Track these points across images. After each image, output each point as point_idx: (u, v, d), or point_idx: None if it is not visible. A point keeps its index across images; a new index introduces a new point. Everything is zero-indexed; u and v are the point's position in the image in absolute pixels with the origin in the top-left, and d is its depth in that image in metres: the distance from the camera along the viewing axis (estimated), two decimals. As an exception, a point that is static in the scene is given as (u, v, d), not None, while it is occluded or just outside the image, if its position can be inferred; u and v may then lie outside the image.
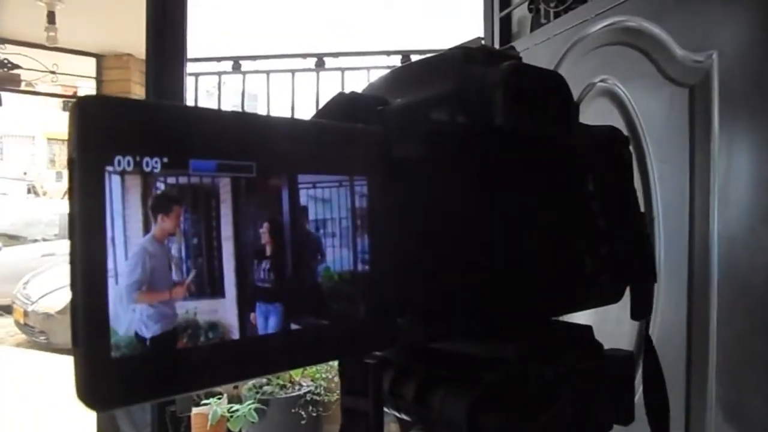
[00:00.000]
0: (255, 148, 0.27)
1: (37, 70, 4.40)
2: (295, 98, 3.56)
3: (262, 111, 3.61)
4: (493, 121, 0.33)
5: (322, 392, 3.72)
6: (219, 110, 0.27)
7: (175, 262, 0.24)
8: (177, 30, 2.21)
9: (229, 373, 0.27)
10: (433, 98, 0.34)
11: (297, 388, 3.76)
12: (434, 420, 0.35)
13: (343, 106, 0.32)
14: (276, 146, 0.28)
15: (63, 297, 6.23)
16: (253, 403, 3.53)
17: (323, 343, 0.29)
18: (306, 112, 3.59)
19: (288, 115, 3.49)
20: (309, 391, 3.70)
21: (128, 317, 0.23)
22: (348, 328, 0.29)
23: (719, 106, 1.38)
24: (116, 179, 0.23)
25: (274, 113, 3.50)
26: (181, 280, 0.25)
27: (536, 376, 0.36)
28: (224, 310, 0.26)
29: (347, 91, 0.34)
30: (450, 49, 0.37)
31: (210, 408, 3.42)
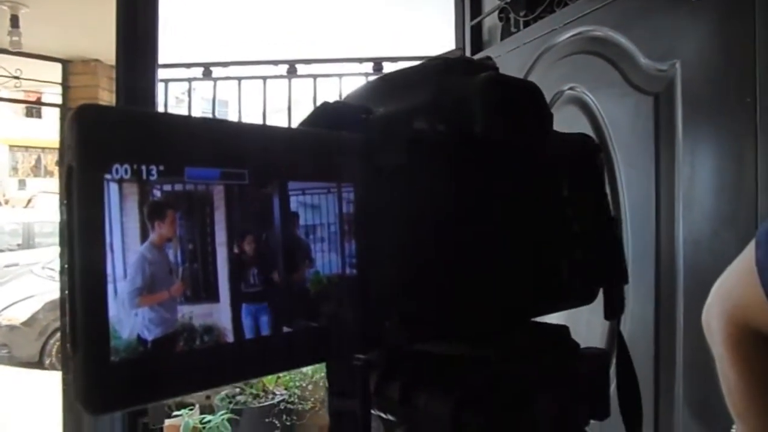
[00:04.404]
0: (248, 156, 0.28)
1: (0, 76, 4.28)
2: (266, 105, 3.53)
3: (233, 118, 3.58)
4: (472, 129, 0.34)
5: (296, 401, 3.68)
6: (213, 119, 0.28)
7: (173, 268, 0.25)
8: (148, 35, 2.17)
9: (224, 375, 0.28)
10: (415, 107, 0.35)
11: (270, 397, 3.71)
12: (419, 420, 0.36)
13: (329, 115, 0.33)
14: (268, 154, 0.28)
15: (27, 308, 6.05)
16: (225, 413, 3.47)
17: (313, 345, 0.30)
18: (278, 118, 3.56)
19: (261, 122, 3.46)
20: (283, 400, 3.66)
21: (131, 321, 0.24)
22: (336, 331, 0.30)
23: (682, 113, 1.43)
24: (114, 187, 0.23)
25: (246, 120, 3.47)
26: (179, 284, 0.25)
27: (517, 375, 0.37)
28: (219, 314, 0.26)
29: (331, 100, 0.35)
30: (430, 59, 0.39)
31: (182, 419, 3.35)
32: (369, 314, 0.31)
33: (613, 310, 0.44)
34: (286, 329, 0.28)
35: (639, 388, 0.45)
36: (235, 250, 0.27)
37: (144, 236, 0.24)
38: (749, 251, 0.70)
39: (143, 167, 0.24)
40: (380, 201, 0.31)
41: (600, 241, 0.43)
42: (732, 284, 0.75)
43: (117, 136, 0.24)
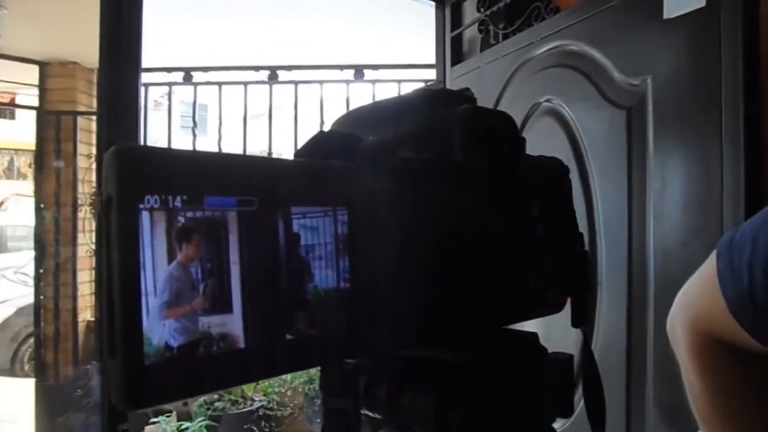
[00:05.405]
0: (257, 185, 0.31)
1: (-25, 78, 4.21)
2: (247, 110, 3.54)
3: (213, 122, 3.58)
4: (453, 157, 0.39)
5: (275, 407, 3.68)
6: (228, 153, 0.32)
7: (195, 284, 0.29)
8: (132, 40, 2.17)
9: (236, 377, 0.32)
10: (401, 137, 0.39)
11: (249, 403, 3.70)
12: (405, 417, 0.40)
13: (324, 144, 0.37)
14: (274, 183, 0.32)
15: None
16: (203, 420, 3.45)
17: (312, 351, 0.34)
18: (258, 124, 3.57)
19: (241, 129, 3.47)
20: (261, 406, 3.65)
21: (160, 330, 0.27)
22: (332, 338, 0.34)
23: (653, 127, 1.49)
24: (146, 215, 0.27)
25: (225, 126, 3.47)
26: (200, 299, 0.29)
27: (492, 376, 0.42)
28: (232, 324, 0.30)
29: (325, 129, 0.39)
30: (414, 91, 0.43)
31: (159, 426, 3.33)
32: (359, 323, 0.35)
33: (579, 319, 0.48)
34: (289, 336, 0.32)
35: (603, 389, 0.49)
36: (246, 268, 0.30)
37: (171, 257, 0.28)
38: (710, 262, 0.73)
39: (170, 197, 0.28)
40: (370, 222, 0.35)
41: (567, 255, 0.47)
42: (695, 294, 0.79)
43: (149, 171, 0.27)
